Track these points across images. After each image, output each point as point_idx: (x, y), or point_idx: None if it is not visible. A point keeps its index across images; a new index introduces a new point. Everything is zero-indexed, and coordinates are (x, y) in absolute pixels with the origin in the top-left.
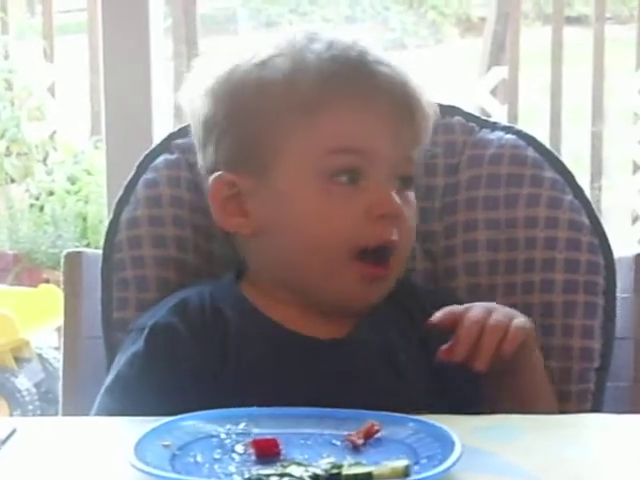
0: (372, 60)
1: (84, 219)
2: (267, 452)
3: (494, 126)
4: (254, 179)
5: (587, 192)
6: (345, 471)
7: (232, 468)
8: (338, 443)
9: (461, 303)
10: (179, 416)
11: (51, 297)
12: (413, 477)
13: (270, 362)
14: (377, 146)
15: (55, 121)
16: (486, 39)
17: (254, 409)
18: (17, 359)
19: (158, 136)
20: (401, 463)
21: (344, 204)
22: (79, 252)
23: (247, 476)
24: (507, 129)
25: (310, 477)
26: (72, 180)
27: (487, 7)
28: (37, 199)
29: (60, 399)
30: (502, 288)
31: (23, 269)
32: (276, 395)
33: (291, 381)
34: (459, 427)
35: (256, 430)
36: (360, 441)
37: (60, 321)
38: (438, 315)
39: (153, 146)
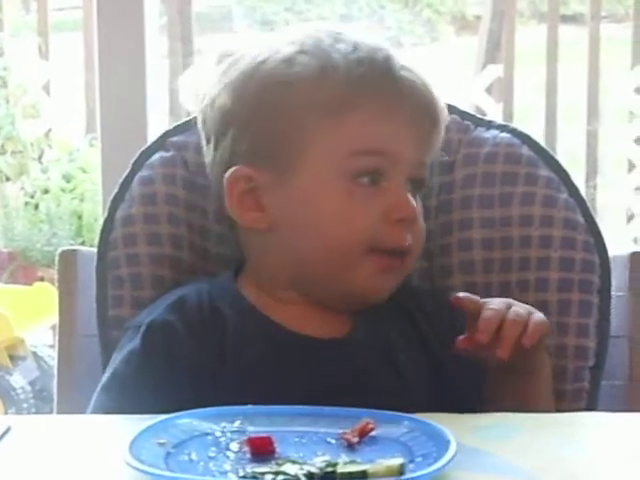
0: (397, 65)
1: (79, 217)
2: (262, 450)
3: (489, 124)
4: (274, 175)
5: (582, 191)
6: (340, 469)
7: (227, 466)
8: (333, 441)
9: None
10: (174, 414)
11: (46, 295)
12: (408, 475)
13: (269, 362)
14: (400, 149)
15: (50, 119)
16: (481, 37)
17: (249, 407)
18: (12, 357)
19: (153, 134)
20: (396, 461)
21: (365, 205)
22: (74, 250)
23: (242, 474)
24: (502, 127)
25: (305, 475)
26: (67, 178)
27: (482, 5)
28: (32, 197)
29: (55, 397)
30: (497, 286)
31: (18, 267)
32: (275, 395)
33: (290, 381)
34: (456, 426)
35: (251, 428)
36: (355, 439)
37: (55, 319)
38: (463, 294)
39: (148, 144)
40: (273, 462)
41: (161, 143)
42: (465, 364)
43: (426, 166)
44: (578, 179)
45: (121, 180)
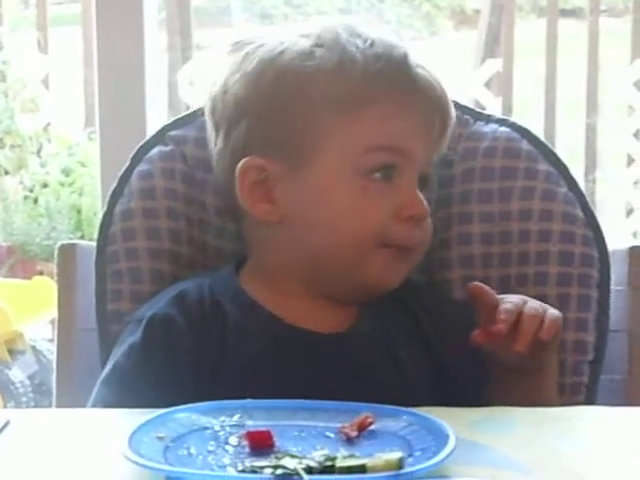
0: (413, 62)
1: (78, 211)
2: (261, 444)
3: (488, 119)
4: (287, 167)
5: (581, 185)
6: (339, 463)
7: (226, 460)
8: (332, 435)
9: (456, 300)
10: (173, 408)
11: (45, 289)
12: (407, 469)
13: (270, 356)
14: (414, 146)
15: (49, 113)
16: (480, 31)
17: (248, 401)
18: (11, 351)
19: (152, 128)
20: (395, 455)
21: (377, 201)
22: (73, 244)
23: (241, 468)
24: (501, 122)
25: (304, 469)
26: (66, 172)
27: None
28: (31, 191)
29: (54, 391)
30: (496, 281)
31: (17, 261)
32: (275, 389)
33: (291, 375)
34: (455, 420)
35: (250, 422)
36: (354, 433)
37: (54, 313)
38: (482, 285)
39: (147, 138)
40: (272, 456)
41: (160, 137)
42: (466, 363)
43: (432, 163)
44: (577, 173)
45: (120, 174)
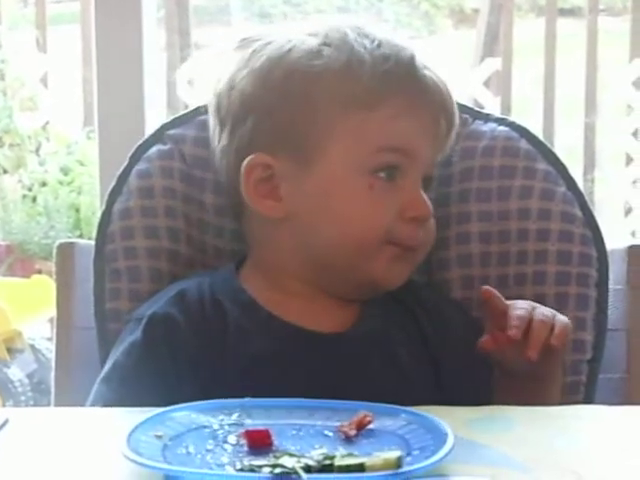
0: (420, 63)
1: (77, 210)
2: (259, 443)
3: (487, 118)
4: (294, 164)
5: (580, 184)
6: (337, 462)
7: (224, 459)
8: (330, 434)
9: (455, 301)
10: (172, 407)
11: (43, 288)
12: (405, 468)
13: (269, 356)
14: (420, 148)
15: (48, 111)
16: (479, 30)
17: (247, 400)
18: (9, 350)
19: (151, 127)
20: (393, 454)
21: (383, 200)
22: (72, 243)
23: (239, 467)
24: (500, 121)
25: (302, 468)
26: (65, 171)
27: None
28: (30, 190)
29: (52, 389)
30: (495, 280)
31: (16, 260)
32: (276, 389)
33: (291, 375)
34: (452, 418)
35: (249, 421)
36: (352, 432)
37: (53, 312)
38: (493, 290)
39: (146, 137)
40: (271, 455)
41: (158, 136)
42: (465, 363)
43: (435, 164)
44: (576, 172)
45: (119, 173)
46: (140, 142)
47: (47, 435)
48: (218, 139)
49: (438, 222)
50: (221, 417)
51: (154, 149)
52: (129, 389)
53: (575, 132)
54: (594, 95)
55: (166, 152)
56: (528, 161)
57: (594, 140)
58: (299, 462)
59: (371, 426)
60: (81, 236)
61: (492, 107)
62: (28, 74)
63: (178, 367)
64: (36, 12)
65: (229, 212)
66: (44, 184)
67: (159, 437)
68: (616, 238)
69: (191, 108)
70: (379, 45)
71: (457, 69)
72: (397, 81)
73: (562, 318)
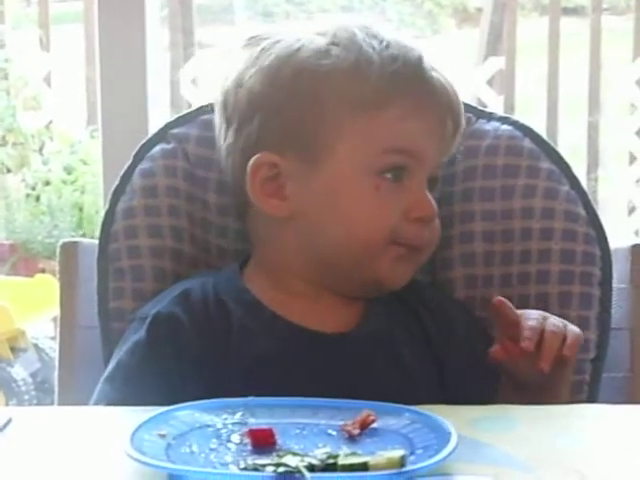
0: (428, 65)
1: (80, 209)
2: (263, 442)
3: (490, 117)
4: (300, 164)
5: (583, 183)
6: (341, 461)
7: (228, 458)
8: (334, 433)
9: (458, 300)
10: (175, 406)
11: (47, 287)
12: (409, 467)
13: (273, 356)
14: (426, 149)
15: (51, 111)
16: (483, 29)
17: (250, 399)
18: (13, 349)
19: (154, 126)
20: (397, 453)
21: (389, 201)
22: (75, 242)
23: (243, 466)
24: (503, 120)
25: (306, 467)
26: (68, 170)
27: None
28: (33, 189)
29: (56, 389)
30: (498, 279)
31: (19, 259)
32: (280, 389)
33: (295, 375)
34: (455, 418)
35: (252, 420)
36: (356, 431)
37: (56, 311)
38: (505, 300)
39: (149, 136)
40: (274, 454)
41: (162, 135)
42: (468, 363)
43: (440, 165)
44: (579, 171)
45: (122, 172)
46: (143, 141)
47: (50, 434)
48: (224, 137)
49: (441, 221)
50: (225, 416)
51: (157, 148)
52: (133, 388)
53: (578, 131)
54: (598, 94)
55: (169, 151)
56: (531, 160)
57: (597, 139)
58: (302, 461)
59: (374, 425)
60: (84, 235)
61: (495, 106)
62: (31, 73)
63: (182, 367)
64: (39, 11)
65: (233, 211)
66: (47, 183)
67: (163, 436)
68: (620, 237)
69: (195, 107)
70: (387, 45)
71: (460, 68)
72: (405, 82)
73: (573, 328)
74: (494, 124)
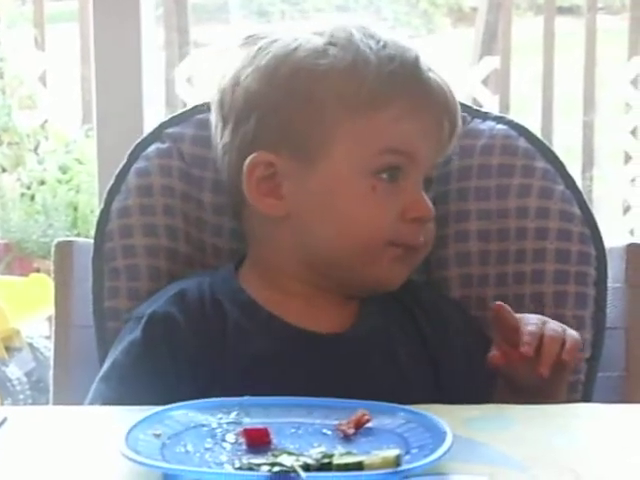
0: (425, 65)
1: (75, 208)
2: (258, 441)
3: (485, 116)
4: (297, 163)
5: (578, 182)
6: (336, 460)
7: (223, 457)
8: (329, 433)
9: (453, 300)
10: (170, 405)
11: (42, 286)
12: (404, 467)
13: (270, 357)
14: (422, 150)
15: (46, 110)
16: (478, 29)
17: (245, 398)
18: (8, 348)
19: (149, 125)
20: (392, 452)
21: (385, 202)
22: (70, 241)
23: (238, 465)
24: (499, 119)
25: (301, 466)
26: (63, 169)
27: None
28: (28, 188)
29: (51, 388)
30: (493, 278)
31: (14, 258)
32: (275, 389)
33: (291, 375)
34: (450, 417)
35: (247, 419)
36: (351, 431)
37: (51, 310)
38: (504, 305)
39: (144, 135)
40: (269, 453)
41: (157, 134)
42: (463, 362)
43: (435, 165)
44: (574, 171)
45: (117, 171)
46: (139, 140)
47: (46, 434)
48: (220, 136)
49: (437, 220)
50: (220, 416)
51: (153, 147)
52: (128, 388)
53: (573, 130)
54: (593, 93)
55: (165, 150)
56: (527, 159)
57: (592, 138)
58: (298, 460)
59: (369, 424)
60: (79, 235)
61: (490, 105)
62: (26, 72)
63: (177, 367)
64: (34, 10)
65: (228, 211)
66: (42, 182)
67: (157, 436)
68: (615, 236)
69: (190, 106)
70: (384, 46)
71: (456, 67)
72: (402, 83)
73: (572, 333)
74: (489, 123)
